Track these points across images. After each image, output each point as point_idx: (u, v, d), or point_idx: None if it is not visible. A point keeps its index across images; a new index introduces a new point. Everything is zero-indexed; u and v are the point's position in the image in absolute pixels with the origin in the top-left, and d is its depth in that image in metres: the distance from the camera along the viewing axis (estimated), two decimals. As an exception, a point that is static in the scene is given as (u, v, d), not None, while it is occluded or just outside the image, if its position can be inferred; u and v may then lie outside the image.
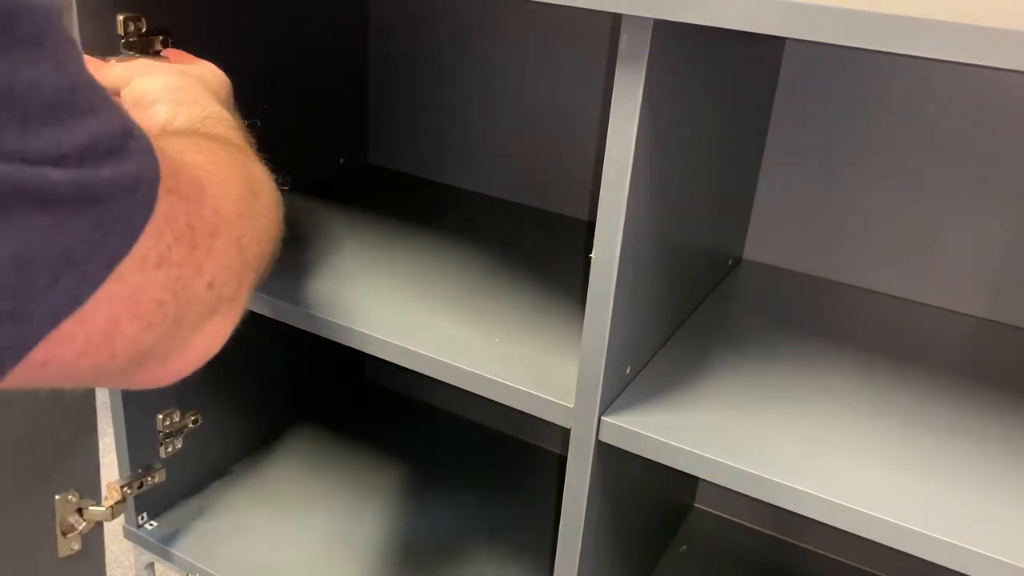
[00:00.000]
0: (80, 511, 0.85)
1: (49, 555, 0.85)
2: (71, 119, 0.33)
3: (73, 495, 0.85)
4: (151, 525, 0.97)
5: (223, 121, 0.62)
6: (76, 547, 0.86)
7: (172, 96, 0.62)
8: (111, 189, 0.34)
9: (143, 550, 0.97)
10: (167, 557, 0.95)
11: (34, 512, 0.82)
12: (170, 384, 0.45)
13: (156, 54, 0.78)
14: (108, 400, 0.90)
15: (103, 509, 0.87)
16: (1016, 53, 0.43)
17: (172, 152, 0.42)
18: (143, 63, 0.68)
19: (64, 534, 0.84)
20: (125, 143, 0.36)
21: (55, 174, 0.32)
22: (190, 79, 0.65)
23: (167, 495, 0.99)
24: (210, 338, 0.46)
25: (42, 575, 0.84)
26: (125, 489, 0.91)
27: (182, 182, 0.41)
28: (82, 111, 0.34)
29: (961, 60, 0.45)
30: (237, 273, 0.46)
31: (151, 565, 1.03)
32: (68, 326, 0.34)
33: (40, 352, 0.34)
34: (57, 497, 0.83)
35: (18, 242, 0.31)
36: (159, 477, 0.95)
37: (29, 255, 0.32)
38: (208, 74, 0.70)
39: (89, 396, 0.84)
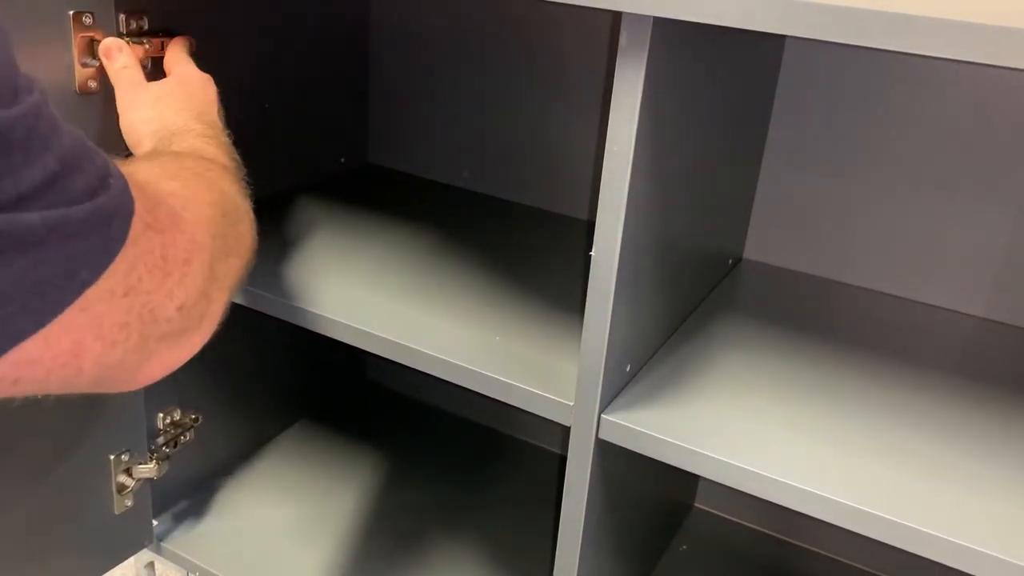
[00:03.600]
0: (128, 471, 0.89)
1: (106, 512, 0.89)
2: (64, 179, 0.36)
3: (125, 454, 0.88)
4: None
5: (191, 132, 0.66)
6: (129, 504, 0.90)
7: (149, 128, 0.67)
8: (87, 227, 0.37)
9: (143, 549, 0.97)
10: (167, 556, 0.95)
11: (91, 472, 0.86)
12: (142, 387, 0.48)
13: (166, 33, 0.80)
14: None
15: (151, 466, 0.90)
16: (1016, 52, 0.44)
17: (148, 184, 0.45)
18: (126, 98, 0.71)
19: (119, 492, 0.89)
20: (105, 183, 0.38)
21: (30, 217, 0.34)
22: (161, 105, 0.69)
23: (167, 494, 0.99)
24: (180, 351, 0.48)
25: (99, 531, 0.88)
26: (165, 449, 0.93)
27: (159, 215, 0.44)
28: (71, 170, 0.36)
29: (961, 59, 0.45)
30: (206, 294, 0.48)
31: (151, 564, 1.04)
32: (33, 349, 0.37)
33: (8, 371, 0.37)
34: (112, 457, 0.87)
35: None
36: (190, 436, 0.97)
37: (3, 289, 0.34)
38: (181, 82, 0.74)
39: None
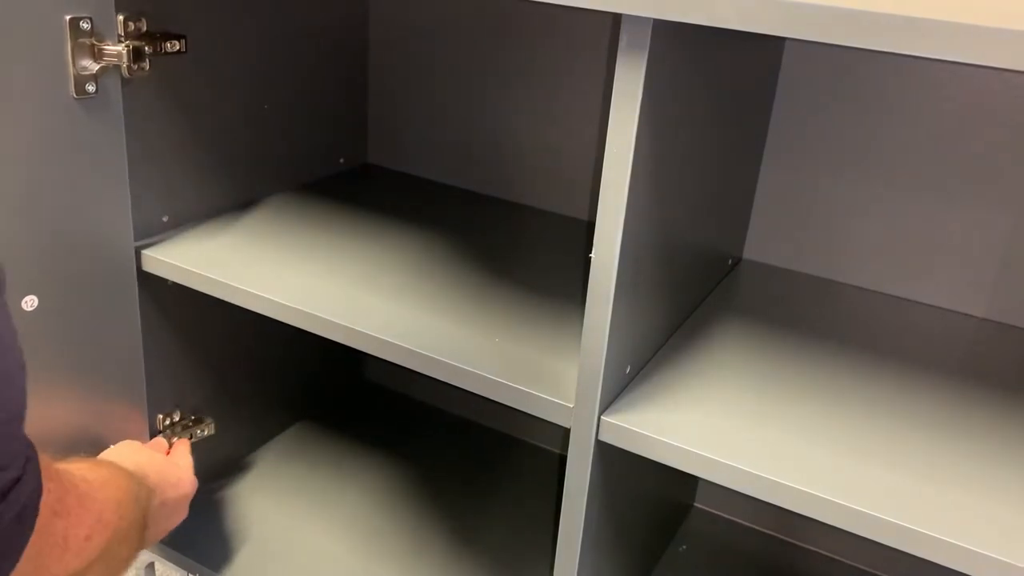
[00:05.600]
0: None
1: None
2: None
3: None
4: (151, 525, 0.97)
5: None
6: None
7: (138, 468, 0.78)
8: (8, 531, 0.42)
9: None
10: (167, 557, 0.95)
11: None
12: None
13: (165, 35, 0.81)
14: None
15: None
16: (1016, 53, 0.43)
17: (65, 472, 0.52)
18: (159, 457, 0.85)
19: None
20: (21, 474, 0.43)
21: None
22: (153, 476, 0.79)
23: (167, 495, 0.99)
24: None
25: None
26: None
27: (67, 502, 0.50)
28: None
29: (961, 60, 0.45)
30: (93, 564, 0.55)
31: (151, 565, 1.03)
32: None
33: None
34: None
35: None
36: (208, 429, 0.98)
37: None
38: (171, 485, 0.83)
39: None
